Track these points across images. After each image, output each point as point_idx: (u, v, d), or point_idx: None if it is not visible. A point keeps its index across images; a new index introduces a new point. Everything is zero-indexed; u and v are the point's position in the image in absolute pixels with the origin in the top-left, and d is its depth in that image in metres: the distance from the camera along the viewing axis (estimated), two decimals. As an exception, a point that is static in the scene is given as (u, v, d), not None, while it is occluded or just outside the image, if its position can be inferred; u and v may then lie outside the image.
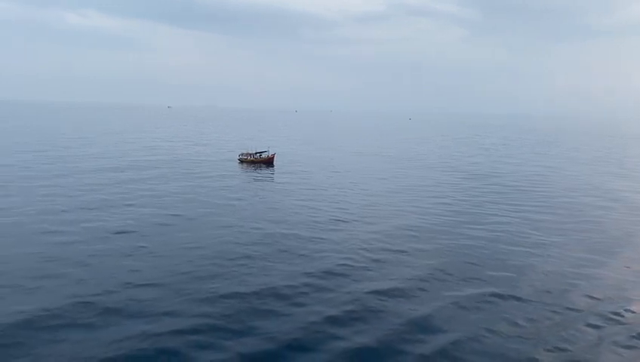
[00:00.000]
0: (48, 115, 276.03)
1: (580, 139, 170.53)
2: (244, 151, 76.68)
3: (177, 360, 18.36)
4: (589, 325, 21.86)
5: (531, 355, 19.21)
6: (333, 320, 21.75)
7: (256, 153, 74.39)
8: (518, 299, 24.54)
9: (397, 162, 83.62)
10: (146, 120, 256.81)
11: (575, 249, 33.76)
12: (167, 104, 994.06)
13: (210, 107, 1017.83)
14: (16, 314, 21.40)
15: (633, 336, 20.96)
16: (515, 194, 54.77)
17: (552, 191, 57.55)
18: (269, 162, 72.44)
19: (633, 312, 23.37)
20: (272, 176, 64.11)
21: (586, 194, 56.01)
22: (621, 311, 23.39)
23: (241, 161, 74.31)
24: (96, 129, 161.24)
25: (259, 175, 64.33)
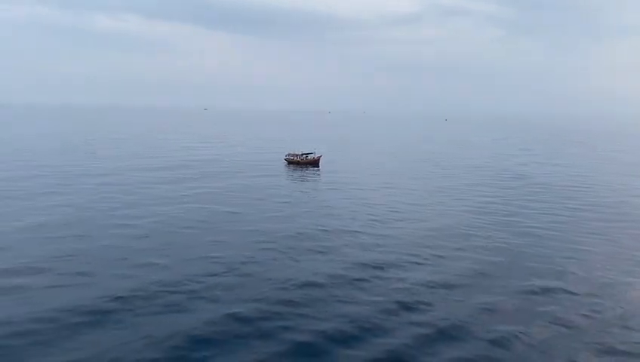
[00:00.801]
0: (93, 117, 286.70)
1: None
2: (291, 153, 78.87)
3: (262, 340, 20.35)
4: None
5: (595, 347, 20.45)
6: (405, 307, 23.51)
7: (302, 154, 76.41)
8: (584, 294, 25.71)
9: (439, 163, 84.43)
10: (185, 122, 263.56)
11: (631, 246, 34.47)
12: (203, 106, 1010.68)
13: (245, 109, 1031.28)
14: (113, 296, 23.99)
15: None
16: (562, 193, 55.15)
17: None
18: (315, 163, 74.42)
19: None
20: (319, 176, 66.04)
21: None
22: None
23: (288, 162, 76.57)
24: (139, 131, 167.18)
25: (307, 175, 66.42)
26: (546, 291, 25.94)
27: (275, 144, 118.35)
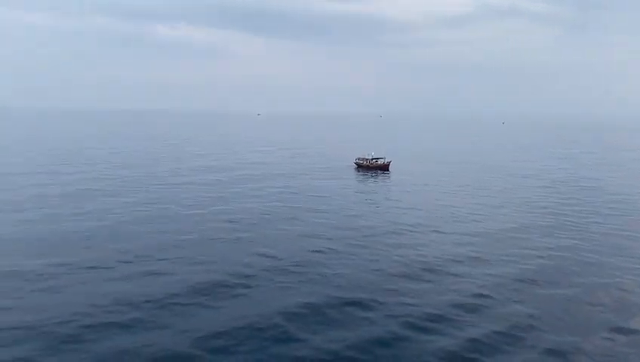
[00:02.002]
0: (155, 121, 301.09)
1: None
2: (361, 157, 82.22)
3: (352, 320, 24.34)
4: None
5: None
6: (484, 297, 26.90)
7: (372, 159, 79.71)
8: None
9: (507, 171, 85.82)
10: (242, 126, 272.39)
11: None
12: (257, 111, 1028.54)
13: (296, 113, 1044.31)
14: (202, 279, 29.04)
15: None
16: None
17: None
18: (384, 168, 77.58)
19: None
20: (392, 180, 69.52)
21: None
22: None
23: (358, 166, 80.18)
24: (197, 134, 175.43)
25: (379, 180, 70.05)
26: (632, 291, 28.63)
27: (337, 148, 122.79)
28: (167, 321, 23.46)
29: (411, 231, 40.55)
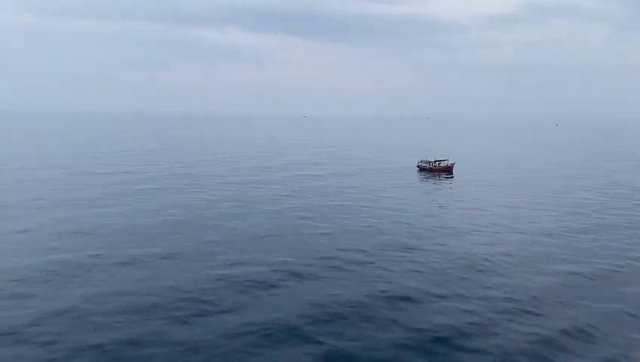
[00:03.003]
0: (205, 124, 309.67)
1: None
2: (423, 159, 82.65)
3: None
4: None
5: None
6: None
7: (435, 161, 79.99)
8: None
9: (568, 174, 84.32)
10: (293, 128, 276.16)
11: None
12: (302, 114, 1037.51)
13: (342, 115, 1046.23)
14: (281, 265, 31.08)
15: None
16: None
17: None
18: (448, 171, 77.74)
19: None
20: (456, 182, 69.78)
21: None
22: None
23: (420, 169, 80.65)
24: (248, 135, 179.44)
25: (443, 181, 70.46)
26: None
27: (393, 150, 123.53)
28: (266, 299, 26.15)
29: (486, 231, 41.32)
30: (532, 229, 42.12)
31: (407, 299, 26.60)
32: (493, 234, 40.39)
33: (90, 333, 22.32)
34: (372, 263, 32.34)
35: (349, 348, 21.37)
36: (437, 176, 74.86)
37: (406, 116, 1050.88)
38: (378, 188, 63.02)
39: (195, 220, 44.15)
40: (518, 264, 32.70)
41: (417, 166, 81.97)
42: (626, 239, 39.58)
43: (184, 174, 73.94)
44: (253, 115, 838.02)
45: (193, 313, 24.52)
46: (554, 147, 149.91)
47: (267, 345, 21.53)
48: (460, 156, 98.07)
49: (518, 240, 38.82)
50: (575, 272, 31.23)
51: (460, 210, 50.64)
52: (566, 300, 26.88)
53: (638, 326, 24.08)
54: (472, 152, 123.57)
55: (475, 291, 27.74)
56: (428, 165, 79.94)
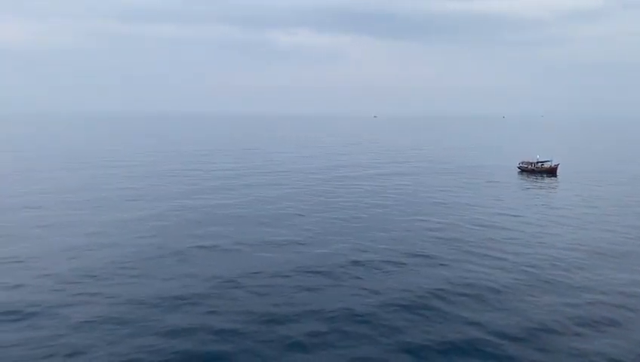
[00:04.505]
0: (280, 125, 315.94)
1: None
2: (525, 160, 79.66)
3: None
4: None
5: None
6: None
7: (537, 162, 76.88)
8: None
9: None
10: (368, 128, 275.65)
11: None
12: (372, 113, 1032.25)
13: (413, 115, 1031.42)
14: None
15: None
16: None
17: None
18: (552, 172, 74.52)
19: None
20: (561, 184, 66.75)
21: None
22: None
23: (521, 170, 77.89)
24: (324, 135, 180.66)
25: (546, 183, 67.54)
26: None
27: (480, 150, 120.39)
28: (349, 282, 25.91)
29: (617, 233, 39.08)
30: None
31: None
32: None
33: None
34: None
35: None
36: (540, 178, 71.93)
37: (480, 115, 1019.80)
38: (480, 189, 61.70)
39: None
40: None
41: (518, 167, 79.15)
42: None
43: (278, 172, 75.72)
44: (324, 115, 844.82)
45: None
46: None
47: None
48: (553, 157, 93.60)
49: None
50: None
51: (566, 214, 48.11)
52: None
53: None
54: (569, 153, 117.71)
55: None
56: (530, 166, 76.92)
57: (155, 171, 77.51)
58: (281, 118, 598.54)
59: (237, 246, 35.75)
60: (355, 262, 32.25)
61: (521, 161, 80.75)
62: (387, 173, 78.04)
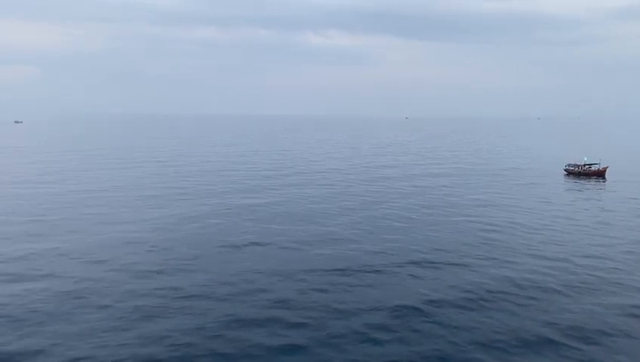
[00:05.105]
0: (323, 127, 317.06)
1: None
2: (572, 163, 77.91)
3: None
4: None
5: None
6: None
7: (585, 165, 75.07)
8: None
9: None
10: (401, 129, 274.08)
11: None
12: (405, 115, 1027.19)
13: (444, 116, 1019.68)
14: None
15: None
16: None
17: None
18: (600, 175, 72.70)
19: None
20: (610, 188, 65.00)
21: None
22: None
23: (568, 173, 76.34)
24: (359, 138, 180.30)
25: (595, 187, 65.70)
26: None
27: (519, 152, 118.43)
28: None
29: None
30: None
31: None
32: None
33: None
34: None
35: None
36: (587, 181, 70.20)
37: (514, 116, 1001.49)
38: (524, 190, 60.99)
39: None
40: None
41: (565, 170, 77.59)
42: None
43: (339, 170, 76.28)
44: (355, 117, 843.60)
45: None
46: None
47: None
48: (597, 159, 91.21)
49: None
50: None
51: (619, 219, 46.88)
52: None
53: None
54: (614, 155, 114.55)
55: None
56: (577, 169, 75.26)
57: (202, 170, 79.36)
58: (310, 119, 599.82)
59: (292, 244, 36.33)
60: (412, 261, 32.35)
61: (567, 163, 79.03)
62: (427, 173, 77.95)
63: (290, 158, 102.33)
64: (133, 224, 41.94)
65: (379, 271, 30.63)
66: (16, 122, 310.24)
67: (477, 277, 29.54)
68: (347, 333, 22.01)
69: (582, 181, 70.37)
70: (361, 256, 33.54)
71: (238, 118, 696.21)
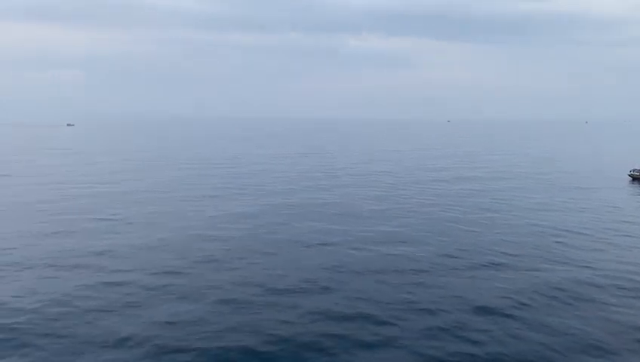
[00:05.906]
0: (352, 129, 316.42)
1: None
2: (637, 168, 74.50)
3: None
4: None
5: None
6: None
7: (654, 171, 72.36)
8: None
9: None
10: (445, 133, 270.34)
11: None
12: (447, 118, 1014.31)
13: (489, 119, 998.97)
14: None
15: None
16: None
17: None
18: (670, 181, 69.72)
19: None
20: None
21: None
22: None
23: (633, 178, 73.57)
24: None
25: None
26: None
27: (573, 156, 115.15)
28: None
29: None
30: None
31: None
32: None
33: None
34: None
35: None
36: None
37: (561, 119, 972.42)
38: (586, 195, 59.08)
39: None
40: None
41: (630, 175, 74.77)
42: None
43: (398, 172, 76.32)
44: (398, 120, 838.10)
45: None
46: None
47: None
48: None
49: None
50: None
51: None
52: None
53: None
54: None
55: None
56: (644, 174, 72.48)
57: (254, 170, 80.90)
58: (353, 123, 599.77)
59: (359, 244, 36.41)
60: (484, 264, 31.96)
61: (632, 168, 76.11)
62: (479, 176, 76.49)
63: (340, 160, 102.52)
64: (199, 221, 43.34)
65: (453, 272, 30.45)
66: (68, 125, 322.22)
67: (556, 281, 28.89)
68: (438, 332, 22.07)
69: (647, 186, 67.85)
70: (432, 258, 33.32)
71: (282, 120, 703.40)
